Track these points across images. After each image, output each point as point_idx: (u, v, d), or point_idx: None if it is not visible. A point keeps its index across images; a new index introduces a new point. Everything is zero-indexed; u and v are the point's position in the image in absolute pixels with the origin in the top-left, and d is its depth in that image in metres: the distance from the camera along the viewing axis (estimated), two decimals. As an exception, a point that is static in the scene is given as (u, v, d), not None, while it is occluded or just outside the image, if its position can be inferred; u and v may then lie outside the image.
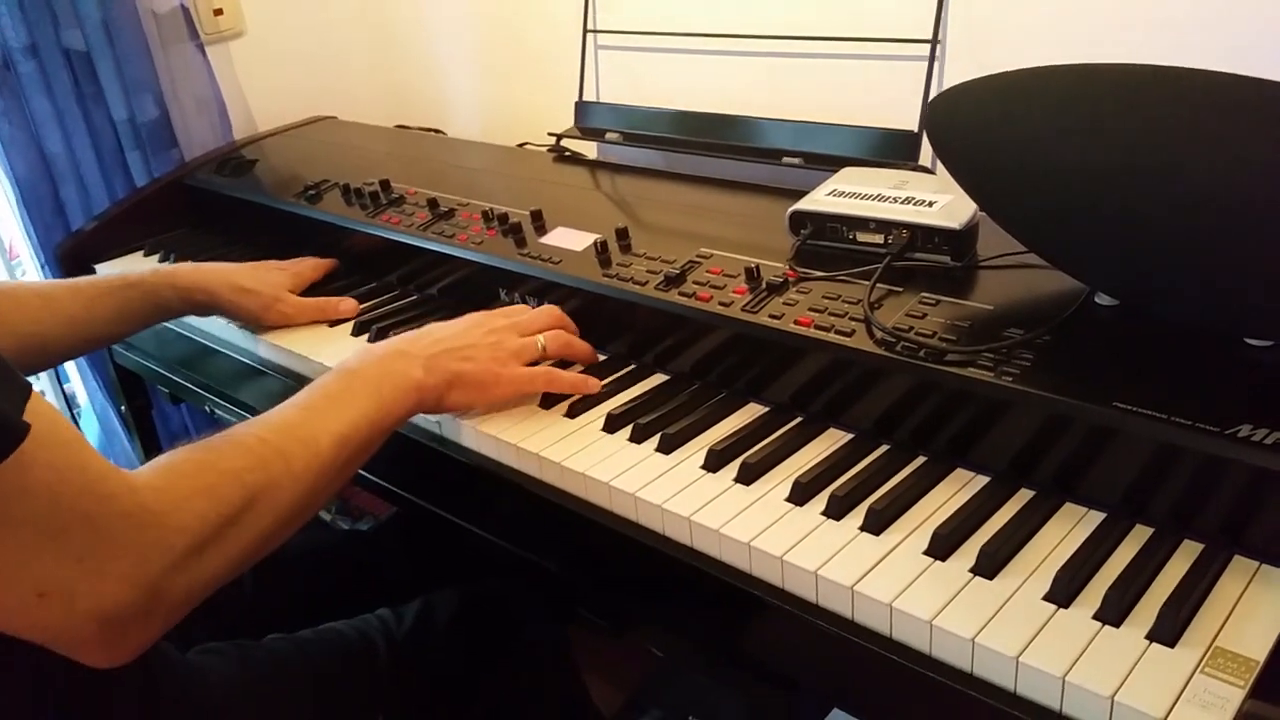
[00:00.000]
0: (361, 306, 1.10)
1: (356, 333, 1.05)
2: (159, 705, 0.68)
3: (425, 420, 0.90)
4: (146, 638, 0.58)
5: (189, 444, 0.64)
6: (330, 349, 1.03)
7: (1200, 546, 0.64)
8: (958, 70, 1.10)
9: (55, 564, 0.53)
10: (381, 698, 0.86)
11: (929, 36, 1.07)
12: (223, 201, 1.37)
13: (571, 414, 0.86)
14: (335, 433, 0.70)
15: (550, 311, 0.93)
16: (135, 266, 1.34)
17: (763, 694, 1.06)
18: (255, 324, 1.09)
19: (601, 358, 0.95)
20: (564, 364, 0.93)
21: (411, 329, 0.99)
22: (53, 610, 0.54)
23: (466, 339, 0.85)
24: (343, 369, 0.77)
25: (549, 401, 0.87)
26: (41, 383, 1.67)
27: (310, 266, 1.16)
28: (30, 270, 1.51)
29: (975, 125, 0.73)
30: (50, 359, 1.01)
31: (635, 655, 1.21)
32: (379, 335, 1.02)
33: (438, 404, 0.81)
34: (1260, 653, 0.55)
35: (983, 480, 0.73)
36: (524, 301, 1.01)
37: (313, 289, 1.16)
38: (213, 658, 0.80)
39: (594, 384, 0.89)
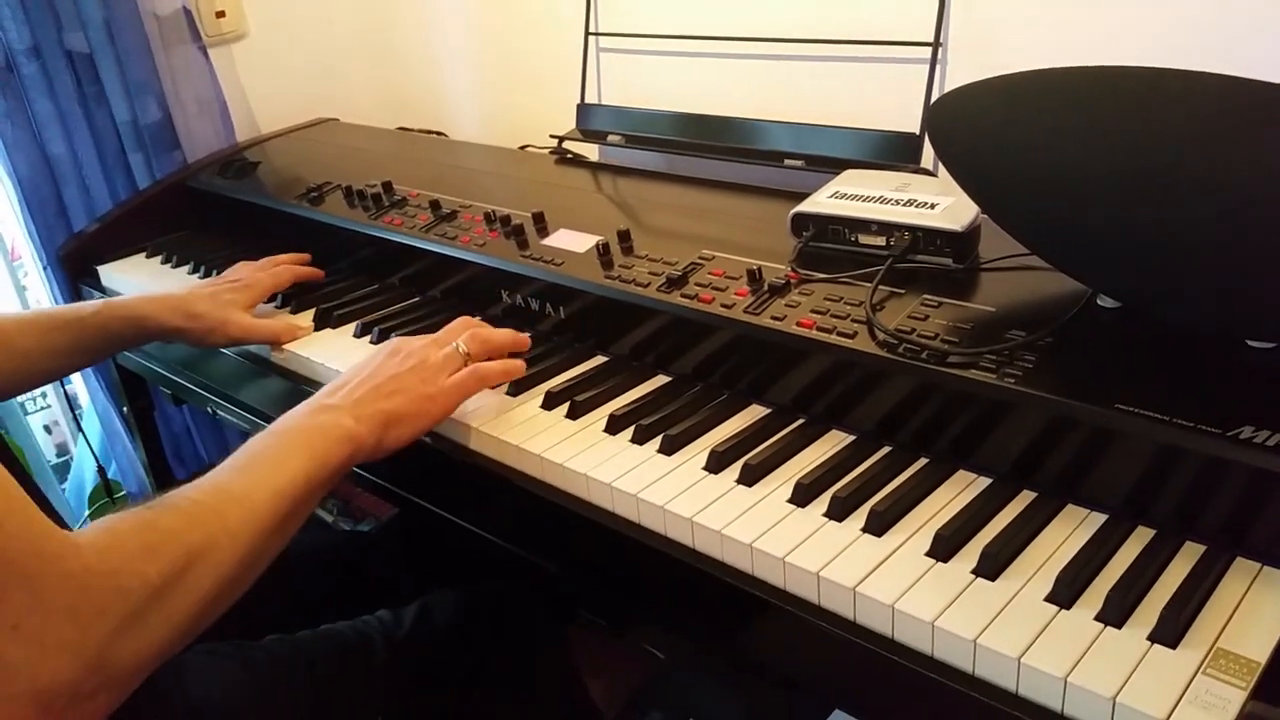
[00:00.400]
0: (371, 311, 1.11)
1: (360, 334, 1.05)
2: (154, 705, 0.68)
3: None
4: (91, 718, 0.55)
5: (126, 509, 0.62)
6: (331, 350, 1.03)
7: (1202, 548, 0.64)
8: (959, 73, 1.10)
9: None
10: (380, 699, 0.86)
11: (930, 39, 1.07)
12: (225, 203, 1.37)
13: (574, 415, 0.86)
14: (271, 490, 0.68)
15: (461, 320, 0.91)
16: (138, 268, 1.35)
17: (763, 695, 1.06)
18: (210, 346, 1.09)
19: (599, 363, 0.95)
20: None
21: (412, 331, 1.00)
22: None
23: (387, 373, 0.82)
24: (272, 430, 0.75)
25: (551, 403, 0.88)
26: (43, 384, 1.67)
27: (271, 276, 1.13)
28: (32, 272, 1.51)
29: (977, 128, 0.73)
30: (2, 395, 1.00)
31: (636, 657, 1.21)
32: (382, 336, 1.03)
33: (377, 447, 0.78)
34: (1262, 654, 0.55)
35: (985, 482, 0.73)
36: (525, 304, 1.02)
37: (313, 287, 1.17)
38: (211, 658, 0.80)
39: (519, 366, 0.90)
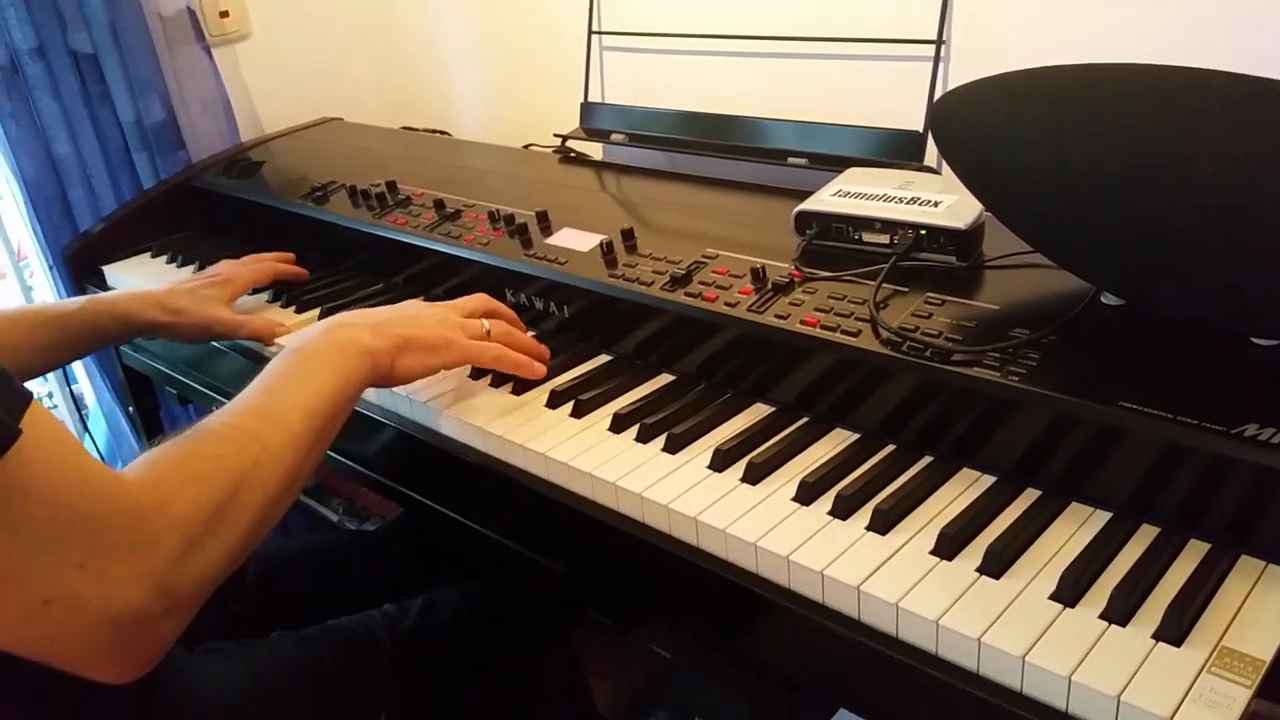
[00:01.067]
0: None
1: (363, 333, 1.05)
2: (161, 703, 0.68)
3: (431, 419, 0.90)
4: (162, 641, 0.58)
5: (164, 442, 0.65)
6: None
7: (1207, 546, 0.64)
8: (963, 70, 1.10)
9: (58, 569, 0.53)
10: (384, 694, 0.86)
11: (934, 37, 1.07)
12: (229, 203, 1.37)
13: (578, 414, 0.86)
14: (302, 408, 0.71)
15: (482, 297, 0.93)
16: (143, 268, 1.35)
17: (767, 694, 1.06)
18: (191, 342, 1.09)
19: (603, 362, 0.95)
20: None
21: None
22: (60, 618, 0.53)
23: (408, 311, 0.86)
24: (290, 350, 0.77)
25: (555, 402, 0.88)
26: (50, 384, 1.68)
27: (251, 271, 1.15)
28: (38, 272, 1.52)
29: (980, 125, 0.73)
30: None
31: (640, 657, 1.21)
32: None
33: (390, 369, 0.81)
34: (1267, 652, 0.55)
35: (989, 480, 0.73)
36: (530, 303, 1.02)
37: (308, 288, 1.17)
38: (217, 657, 0.80)
39: (540, 369, 0.90)
